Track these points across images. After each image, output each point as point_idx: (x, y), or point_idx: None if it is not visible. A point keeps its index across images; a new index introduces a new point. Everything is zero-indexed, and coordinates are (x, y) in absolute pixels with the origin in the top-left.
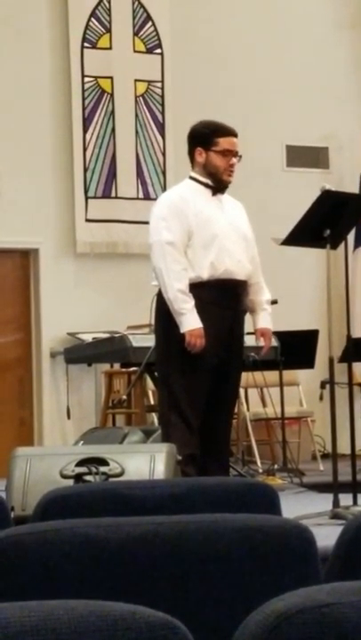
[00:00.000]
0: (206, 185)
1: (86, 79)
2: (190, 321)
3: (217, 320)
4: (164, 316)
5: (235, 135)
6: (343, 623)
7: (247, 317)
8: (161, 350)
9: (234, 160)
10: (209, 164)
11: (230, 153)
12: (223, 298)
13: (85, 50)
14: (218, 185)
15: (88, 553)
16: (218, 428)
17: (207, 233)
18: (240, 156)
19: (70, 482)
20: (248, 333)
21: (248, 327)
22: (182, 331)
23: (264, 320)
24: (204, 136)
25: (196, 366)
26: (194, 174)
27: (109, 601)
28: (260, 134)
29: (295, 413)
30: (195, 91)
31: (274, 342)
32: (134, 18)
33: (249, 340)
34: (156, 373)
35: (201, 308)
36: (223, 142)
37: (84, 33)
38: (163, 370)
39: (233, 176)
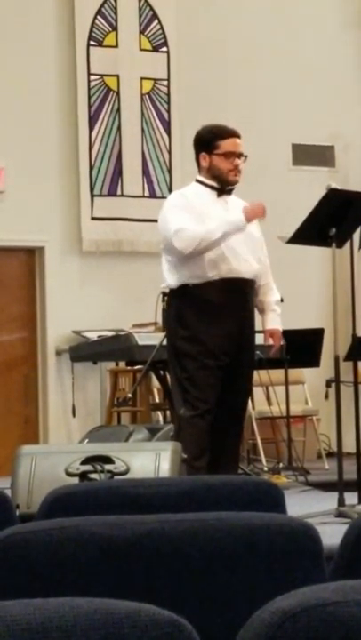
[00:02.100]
0: (212, 187)
1: (92, 77)
2: (232, 220)
3: (227, 319)
4: (174, 316)
5: (237, 136)
6: (348, 622)
7: (256, 316)
8: (172, 347)
9: (238, 161)
10: (213, 167)
11: (233, 155)
12: (231, 297)
13: (91, 48)
14: (224, 186)
15: (93, 551)
16: (229, 426)
17: None
18: (245, 157)
19: (75, 480)
20: (256, 332)
21: (256, 326)
22: (240, 223)
23: (273, 321)
24: (207, 141)
25: (206, 362)
26: (200, 177)
27: (115, 599)
28: (267, 133)
29: (300, 412)
30: (201, 89)
31: (281, 340)
32: (140, 16)
33: (256, 339)
34: (161, 371)
35: (210, 309)
36: (225, 145)
37: (91, 31)
38: (174, 366)
39: (240, 175)
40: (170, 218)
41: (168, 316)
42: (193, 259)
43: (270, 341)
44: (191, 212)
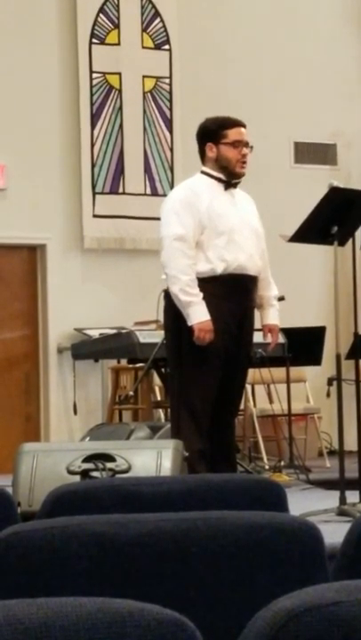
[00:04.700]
0: (219, 179)
1: (94, 75)
2: (198, 313)
3: (227, 315)
4: (174, 312)
5: (242, 126)
6: (351, 621)
7: (255, 313)
8: (172, 346)
9: (245, 150)
10: (221, 157)
11: (240, 143)
12: (234, 293)
13: (93, 46)
14: (231, 178)
15: (95, 550)
16: (225, 423)
17: (220, 227)
18: (251, 147)
19: (77, 478)
20: (256, 330)
21: (256, 324)
22: (190, 324)
23: (272, 316)
24: (213, 131)
25: (207, 362)
26: (206, 169)
27: (117, 598)
28: (268, 131)
29: (302, 410)
30: (203, 87)
31: (281, 339)
32: (143, 14)
33: (256, 337)
34: (163, 369)
35: (212, 303)
36: (232, 134)
37: (93, 29)
38: (174, 365)
39: (246, 166)
40: (171, 219)
41: (167, 312)
42: (203, 253)
43: (269, 337)
44: (197, 212)
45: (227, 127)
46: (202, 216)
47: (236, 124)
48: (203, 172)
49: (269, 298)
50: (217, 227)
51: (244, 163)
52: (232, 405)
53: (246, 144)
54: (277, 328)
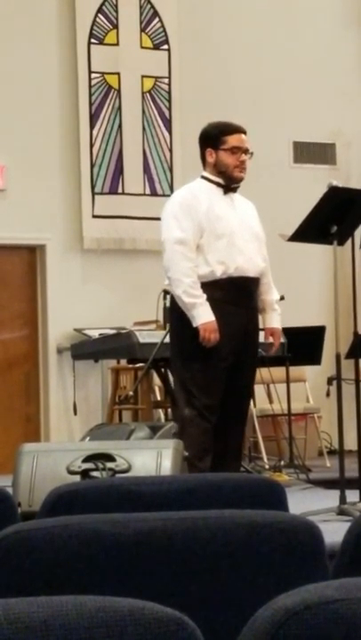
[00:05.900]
0: (218, 184)
1: (93, 75)
2: (203, 314)
3: (231, 318)
4: (178, 314)
5: (243, 132)
6: (352, 619)
7: None
8: (176, 347)
9: (244, 157)
10: (219, 162)
11: (239, 150)
12: (236, 296)
13: (92, 46)
14: (229, 182)
15: (96, 549)
16: (232, 425)
17: (219, 230)
18: (251, 153)
19: (77, 478)
20: None
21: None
22: (195, 325)
23: (274, 320)
24: (213, 137)
25: (211, 363)
26: (205, 174)
27: (118, 597)
28: (268, 131)
29: (302, 409)
30: (202, 87)
31: (281, 339)
32: (141, 14)
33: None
34: (163, 369)
35: (215, 307)
36: (231, 140)
37: (91, 29)
38: (178, 367)
39: (245, 172)
40: (171, 223)
41: (171, 315)
42: (202, 256)
43: (270, 340)
44: (196, 215)
45: (227, 133)
46: (201, 219)
47: (237, 130)
48: (202, 177)
49: (271, 302)
50: (216, 229)
51: (243, 168)
52: (240, 407)
53: (246, 151)
54: (279, 331)
